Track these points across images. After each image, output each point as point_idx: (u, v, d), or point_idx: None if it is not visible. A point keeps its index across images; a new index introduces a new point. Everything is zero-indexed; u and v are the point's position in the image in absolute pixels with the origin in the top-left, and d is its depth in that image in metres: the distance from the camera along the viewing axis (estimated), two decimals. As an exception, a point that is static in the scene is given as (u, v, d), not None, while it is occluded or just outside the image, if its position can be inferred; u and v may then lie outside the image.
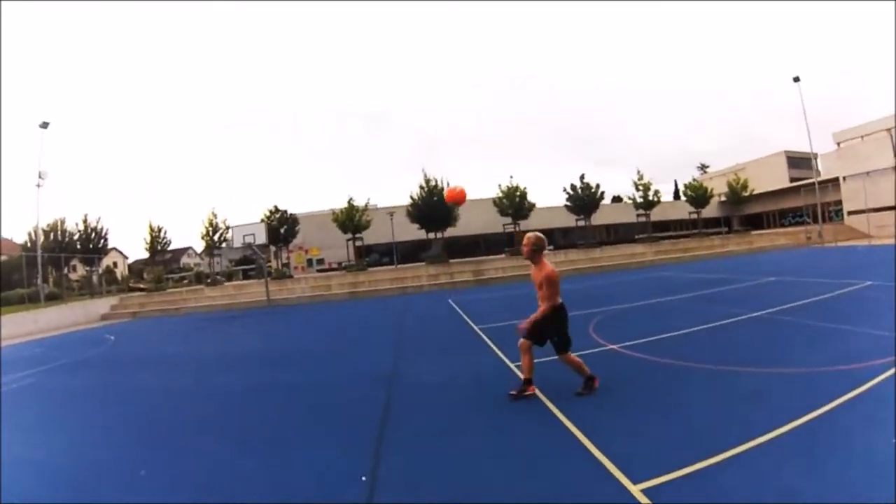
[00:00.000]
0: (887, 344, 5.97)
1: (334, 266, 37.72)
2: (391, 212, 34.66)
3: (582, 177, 37.09)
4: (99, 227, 31.86)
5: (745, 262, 25.05)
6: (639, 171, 40.00)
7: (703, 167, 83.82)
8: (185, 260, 72.63)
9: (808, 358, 5.87)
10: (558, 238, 44.07)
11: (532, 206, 35.05)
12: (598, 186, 36.84)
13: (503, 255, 33.77)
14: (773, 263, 21.96)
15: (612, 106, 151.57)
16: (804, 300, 10.35)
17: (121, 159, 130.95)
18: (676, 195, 66.39)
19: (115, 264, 54.21)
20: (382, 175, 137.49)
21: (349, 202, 32.18)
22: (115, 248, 49.16)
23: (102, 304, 26.12)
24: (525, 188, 34.57)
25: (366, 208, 32.90)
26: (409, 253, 40.49)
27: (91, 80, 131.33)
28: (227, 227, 31.99)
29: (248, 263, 49.57)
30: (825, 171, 44.77)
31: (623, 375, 5.85)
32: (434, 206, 30.21)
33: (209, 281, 33.43)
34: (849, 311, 8.78)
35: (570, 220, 40.65)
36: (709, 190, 43.04)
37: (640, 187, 39.62)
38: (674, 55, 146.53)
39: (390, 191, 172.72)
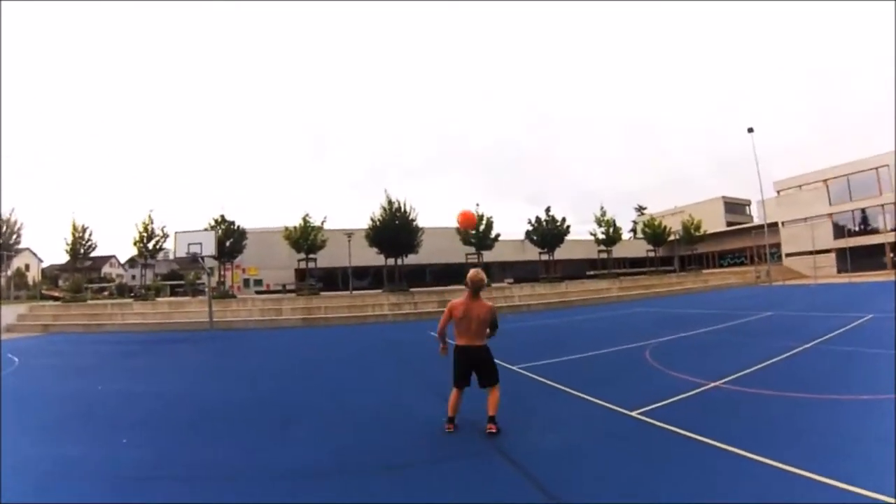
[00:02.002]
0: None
1: (278, 288, 34.80)
2: (349, 233, 32.17)
3: (548, 209, 36.55)
4: (11, 219, 27.81)
5: (713, 298, 26.06)
6: (602, 207, 40.00)
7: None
8: (106, 269, 66.72)
9: None
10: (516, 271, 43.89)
11: (497, 236, 33.61)
12: (563, 220, 36.12)
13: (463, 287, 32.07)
14: (745, 299, 23.30)
15: (553, 146, 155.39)
16: (838, 330, 11.02)
17: (44, 146, 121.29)
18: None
19: (26, 267, 48.67)
20: (333, 198, 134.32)
21: (304, 219, 29.54)
22: (28, 249, 42.93)
23: (8, 313, 22.27)
24: (491, 217, 33.23)
25: (321, 227, 30.10)
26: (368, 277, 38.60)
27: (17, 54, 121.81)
28: (165, 235, 28.46)
29: (178, 279, 45.86)
30: (765, 216, 47.31)
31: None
32: (396, 230, 28.15)
33: (134, 295, 29.84)
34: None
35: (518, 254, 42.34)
36: (666, 228, 43.39)
37: (603, 223, 39.28)
38: (621, 100, 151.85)
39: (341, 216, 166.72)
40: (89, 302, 27.94)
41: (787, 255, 49.21)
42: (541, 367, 8.40)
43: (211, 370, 10.77)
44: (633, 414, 5.33)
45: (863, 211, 44.60)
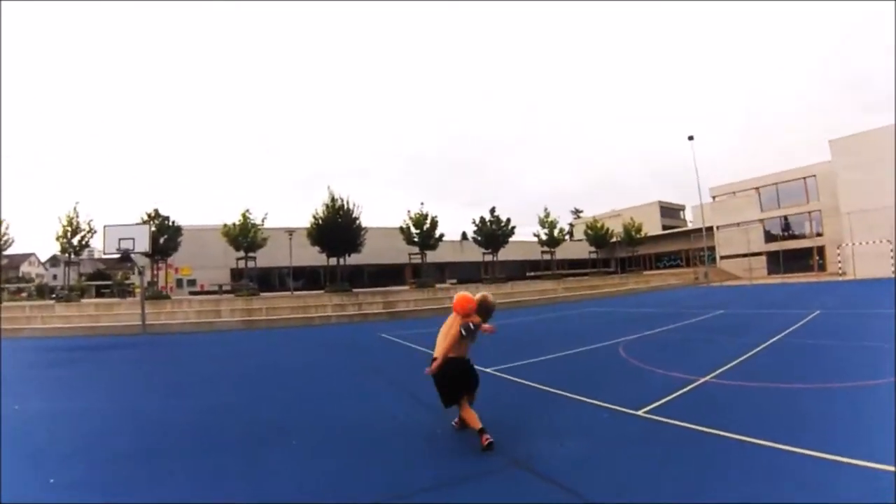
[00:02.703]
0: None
1: (213, 288, 32.93)
2: (290, 231, 30.83)
3: (493, 210, 36.44)
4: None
5: (659, 298, 26.65)
6: (546, 209, 40.37)
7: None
8: (25, 268, 62.25)
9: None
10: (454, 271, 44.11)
11: (441, 236, 33.42)
12: (508, 221, 36.21)
13: (408, 287, 31.85)
14: (691, 299, 24.11)
15: (490, 149, 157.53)
16: (793, 326, 11.67)
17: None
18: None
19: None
20: (272, 198, 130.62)
21: (244, 215, 27.94)
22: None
23: None
24: (436, 217, 32.71)
25: (262, 224, 28.56)
26: (303, 277, 37.59)
27: None
28: (92, 230, 25.75)
29: (105, 279, 43.11)
30: (700, 221, 49.67)
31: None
32: (340, 228, 27.41)
33: (55, 296, 27.66)
34: (853, 331, 10.56)
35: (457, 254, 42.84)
36: (609, 230, 44.38)
37: (546, 225, 39.78)
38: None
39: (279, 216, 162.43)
40: (5, 304, 25.72)
41: (722, 257, 51.57)
42: (520, 369, 8.03)
43: (152, 382, 8.99)
44: (641, 413, 5.16)
45: (785, 218, 47.75)
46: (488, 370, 7.91)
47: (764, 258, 47.46)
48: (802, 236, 46.37)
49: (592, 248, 46.11)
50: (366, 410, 5.99)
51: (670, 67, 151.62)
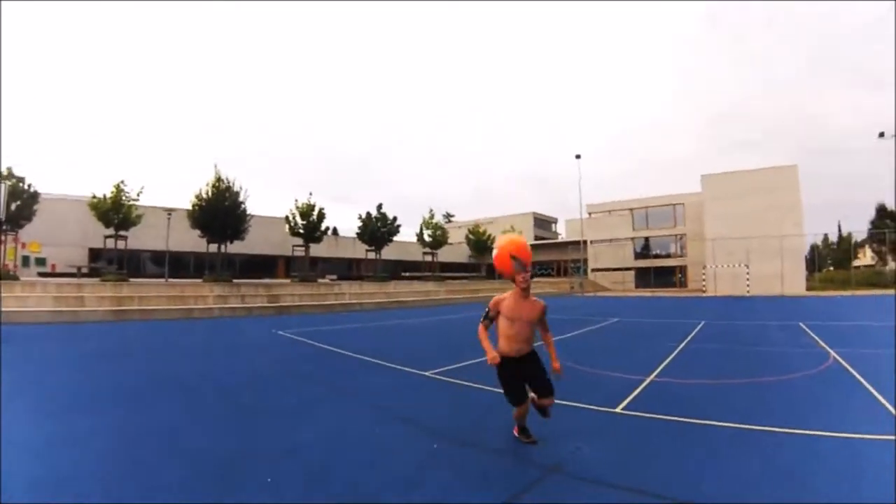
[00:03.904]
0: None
1: (70, 271, 28.54)
2: (170, 211, 27.54)
3: (379, 206, 36.19)
4: None
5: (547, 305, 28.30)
6: (431, 210, 41.07)
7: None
8: None
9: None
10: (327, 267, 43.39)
11: (328, 229, 32.55)
12: (395, 219, 36.21)
13: (288, 281, 30.67)
14: (579, 308, 26.23)
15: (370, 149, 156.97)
16: (692, 332, 13.26)
17: None
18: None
19: None
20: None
21: (117, 187, 24.26)
22: None
23: None
24: (323, 209, 31.63)
25: (137, 199, 25.02)
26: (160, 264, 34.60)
27: None
28: None
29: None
30: (570, 234, 53.49)
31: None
32: (225, 211, 25.49)
33: None
34: (745, 337, 12.45)
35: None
36: (490, 236, 45.74)
37: (431, 226, 40.40)
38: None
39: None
40: None
41: (593, 269, 55.65)
42: (461, 371, 7.83)
43: (28, 392, 6.50)
44: (619, 410, 5.46)
45: (646, 239, 53.08)
46: (427, 373, 7.78)
47: (632, 273, 52.46)
48: (668, 255, 52.00)
49: (472, 253, 47.37)
50: (326, 428, 4.91)
51: (556, 92, 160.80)
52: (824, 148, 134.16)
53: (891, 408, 5.34)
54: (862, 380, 6.86)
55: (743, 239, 39.87)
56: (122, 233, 24.49)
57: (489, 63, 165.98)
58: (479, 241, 45.39)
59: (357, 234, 36.61)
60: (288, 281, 30.43)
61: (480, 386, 6.75)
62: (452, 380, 7.33)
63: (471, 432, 4.81)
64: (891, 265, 44.30)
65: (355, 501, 3.24)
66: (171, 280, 25.51)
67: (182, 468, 3.79)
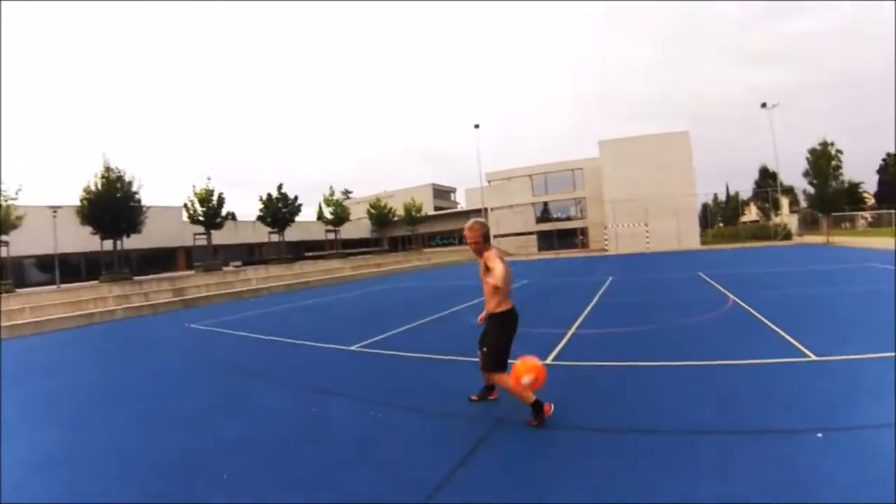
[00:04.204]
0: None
1: None
2: (55, 208, 25.33)
3: (280, 187, 35.56)
4: None
5: (450, 273, 29.34)
6: (331, 188, 40.84)
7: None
8: None
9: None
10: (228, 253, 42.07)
11: (228, 215, 31.69)
12: (296, 198, 35.91)
13: (192, 272, 29.71)
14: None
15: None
16: (603, 287, 14.74)
17: None
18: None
19: None
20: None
21: None
22: None
23: None
24: (223, 194, 30.43)
25: (16, 197, 22.13)
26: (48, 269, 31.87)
27: None
28: None
29: None
30: (469, 203, 54.89)
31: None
32: (117, 204, 23.82)
33: None
34: (652, 289, 14.38)
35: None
36: (392, 210, 46.25)
37: (332, 203, 40.32)
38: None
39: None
40: None
41: (496, 235, 57.44)
42: (384, 343, 8.26)
43: None
44: (549, 361, 6.21)
45: (546, 204, 55.79)
46: (352, 348, 8.02)
47: (535, 237, 54.70)
48: (569, 218, 54.57)
49: (374, 228, 47.71)
50: (290, 414, 5.01)
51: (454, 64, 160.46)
52: (711, 117, 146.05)
53: (788, 337, 6.60)
54: (760, 316, 8.32)
55: (640, 200, 42.81)
56: (3, 238, 22.45)
57: (371, 44, 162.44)
58: (381, 216, 45.76)
59: (259, 216, 35.90)
60: (191, 272, 29.47)
61: (405, 354, 7.30)
62: (377, 350, 7.78)
63: (409, 398, 5.21)
64: (773, 220, 49.61)
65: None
66: (63, 286, 24.01)
67: (128, 486, 3.61)
